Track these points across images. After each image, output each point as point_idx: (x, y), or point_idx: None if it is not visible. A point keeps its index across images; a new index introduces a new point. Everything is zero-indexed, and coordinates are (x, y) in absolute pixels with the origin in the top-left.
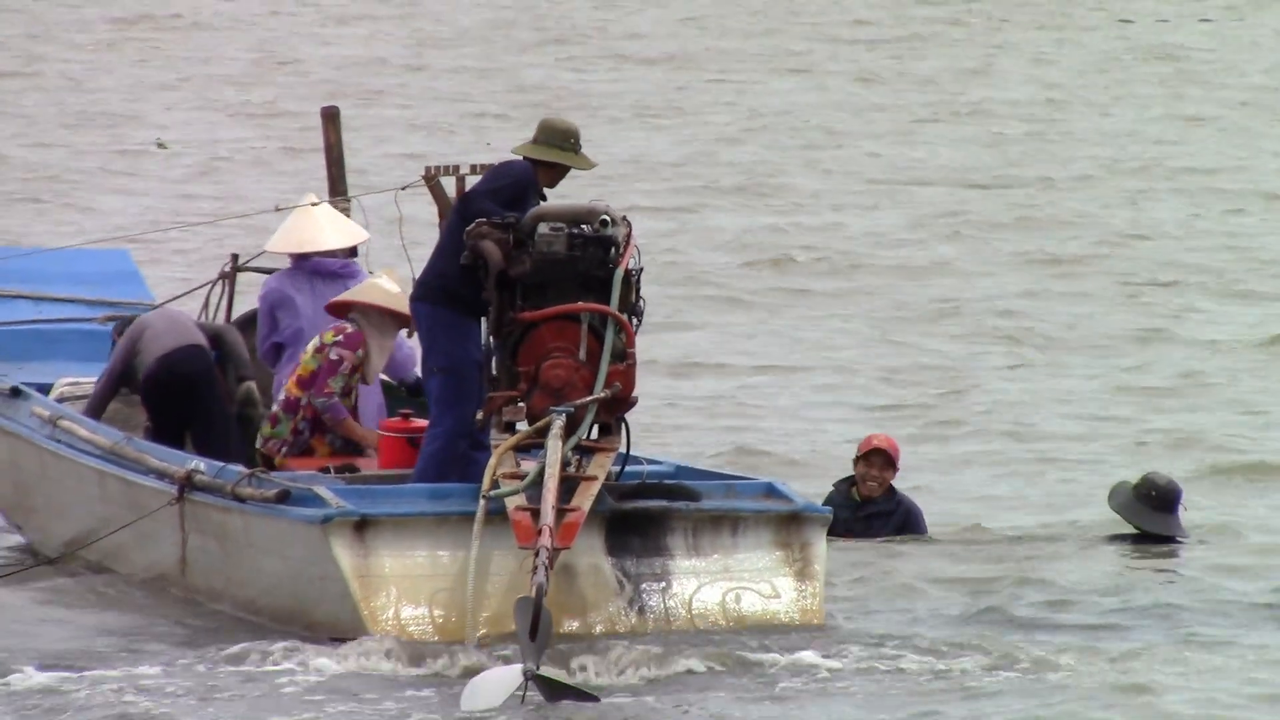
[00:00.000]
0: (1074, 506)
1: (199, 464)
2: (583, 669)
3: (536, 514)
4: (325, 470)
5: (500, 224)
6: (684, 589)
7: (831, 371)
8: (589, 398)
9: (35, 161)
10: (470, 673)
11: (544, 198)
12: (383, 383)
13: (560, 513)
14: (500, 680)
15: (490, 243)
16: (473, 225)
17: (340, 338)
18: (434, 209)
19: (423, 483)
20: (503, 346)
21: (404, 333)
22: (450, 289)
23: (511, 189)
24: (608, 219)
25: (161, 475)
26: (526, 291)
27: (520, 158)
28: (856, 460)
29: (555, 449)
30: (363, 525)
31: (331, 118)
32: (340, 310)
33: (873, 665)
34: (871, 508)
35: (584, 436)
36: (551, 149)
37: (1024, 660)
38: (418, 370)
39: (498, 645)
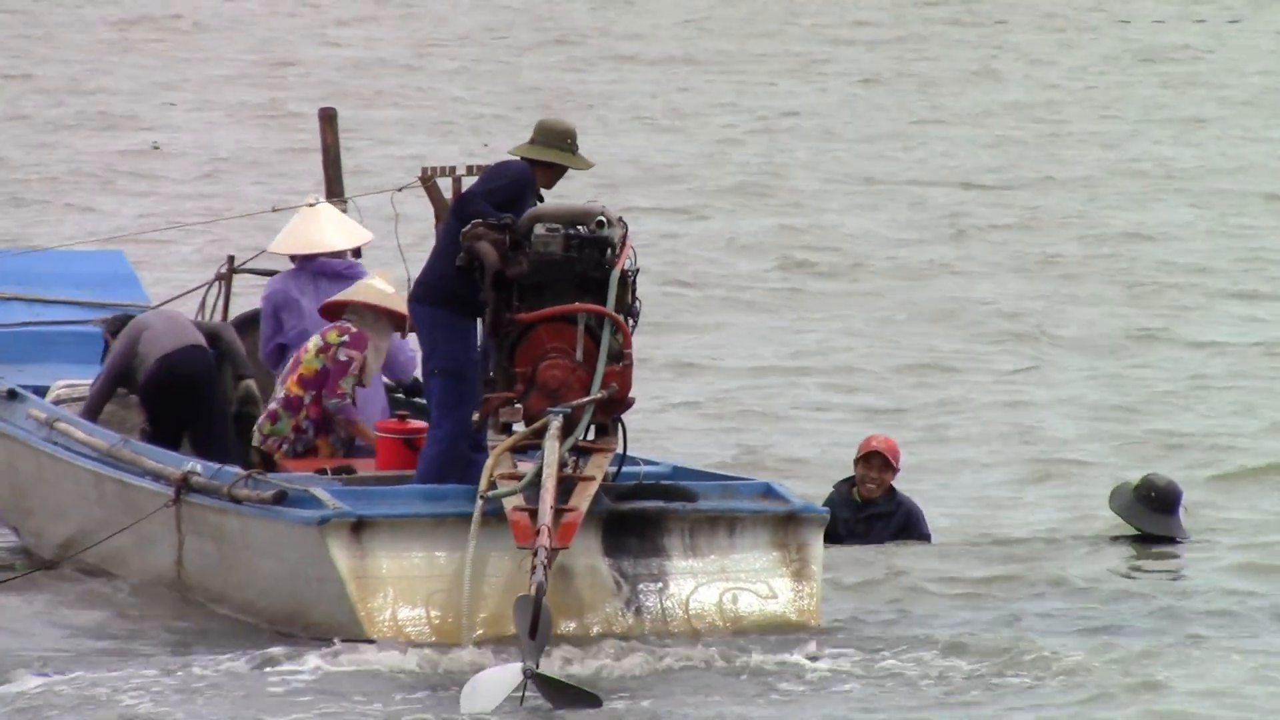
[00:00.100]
0: (1075, 508)
1: (195, 466)
2: (580, 670)
3: (534, 514)
4: (322, 472)
5: (497, 225)
6: (681, 589)
7: (833, 373)
8: (586, 398)
9: (32, 163)
10: (468, 672)
11: (541, 199)
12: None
13: (558, 513)
14: (499, 679)
15: (487, 244)
16: (469, 226)
17: (346, 338)
18: (430, 210)
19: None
20: (499, 347)
21: (408, 336)
22: (450, 290)
23: (508, 190)
24: (604, 220)
25: (158, 477)
26: (523, 292)
27: (517, 158)
28: (856, 462)
29: (552, 449)
30: (359, 526)
31: (329, 119)
32: (335, 311)
33: (870, 666)
34: (872, 509)
35: (581, 437)
36: (548, 149)
37: (1024, 663)
38: (417, 372)
39: (495, 646)
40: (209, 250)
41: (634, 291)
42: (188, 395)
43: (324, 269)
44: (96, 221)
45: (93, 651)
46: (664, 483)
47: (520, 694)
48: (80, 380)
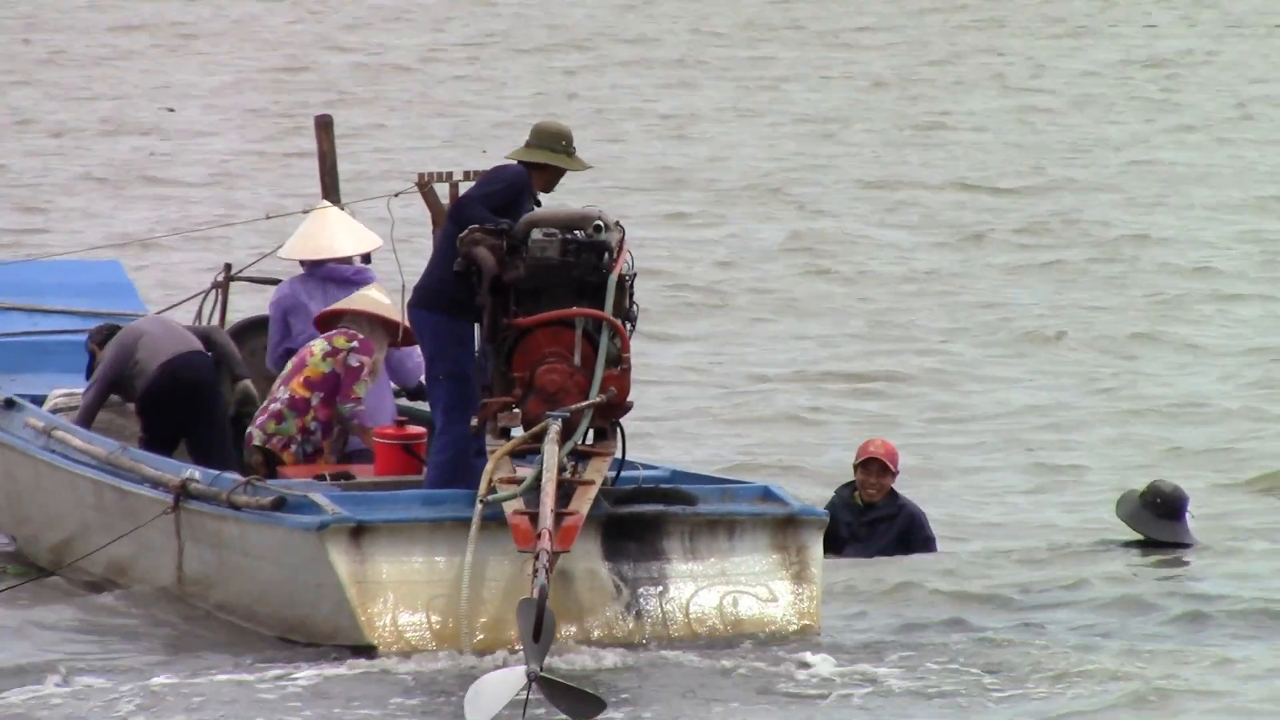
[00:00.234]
0: (1080, 514)
1: (194, 472)
2: (580, 673)
3: (534, 518)
4: (320, 477)
5: (494, 230)
6: (681, 593)
7: (834, 377)
8: (584, 403)
9: (30, 169)
10: (468, 677)
11: (538, 203)
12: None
13: (558, 516)
14: (503, 682)
15: (484, 249)
16: (466, 232)
17: (355, 344)
18: (428, 215)
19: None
20: (497, 352)
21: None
22: (451, 295)
23: (504, 193)
24: (601, 224)
25: (157, 484)
26: (520, 297)
27: (513, 162)
28: (855, 467)
29: (552, 453)
30: (359, 531)
31: (325, 126)
32: (329, 322)
33: (871, 670)
34: (874, 512)
35: (579, 442)
36: (544, 151)
37: (1025, 668)
38: (422, 377)
39: (494, 650)
40: (209, 257)
41: (631, 296)
42: (190, 400)
43: (332, 274)
44: (93, 231)
45: (91, 659)
46: (663, 486)
47: (524, 697)
48: (77, 389)
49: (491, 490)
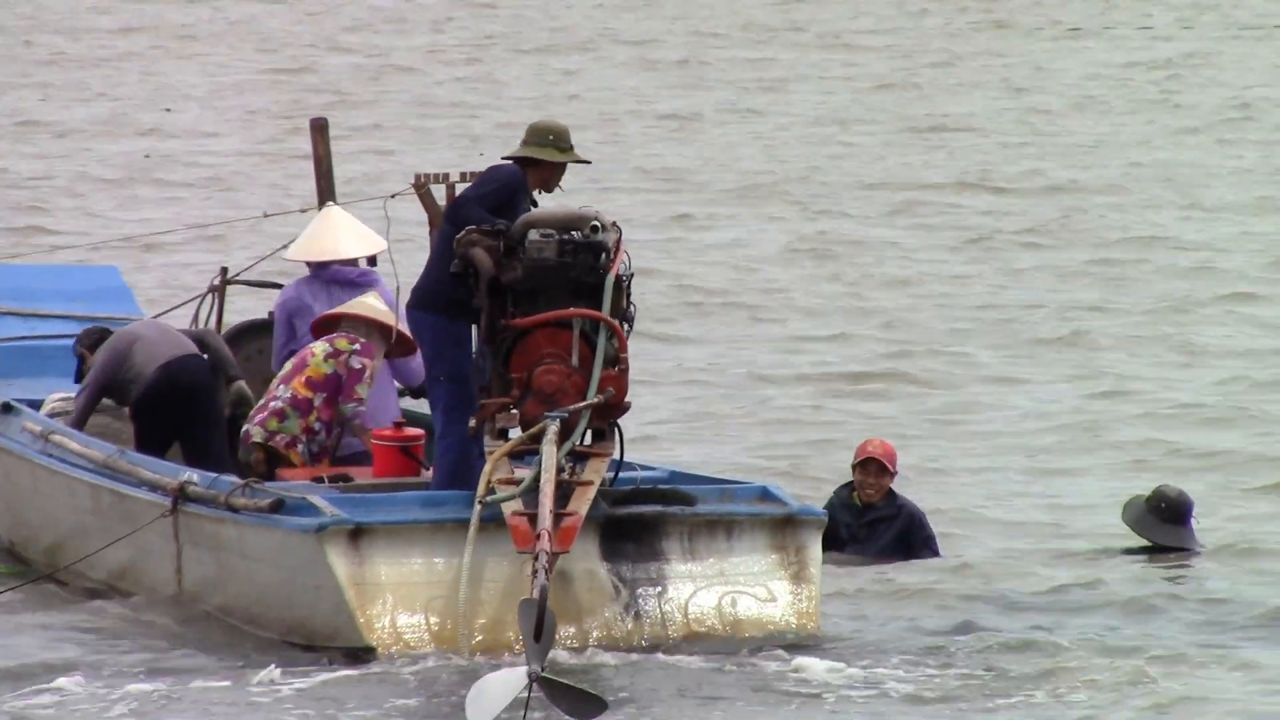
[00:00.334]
0: (1085, 519)
1: (192, 475)
2: (580, 675)
3: (533, 519)
4: (319, 480)
5: (490, 231)
6: (680, 593)
7: (838, 379)
8: (582, 403)
9: (30, 169)
10: (468, 678)
11: (535, 203)
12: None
13: (558, 517)
14: (505, 683)
15: (481, 250)
16: (462, 233)
17: (358, 346)
18: (424, 217)
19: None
20: (494, 353)
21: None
22: (449, 296)
23: (499, 193)
24: (598, 225)
25: (155, 487)
26: (518, 298)
27: (509, 162)
28: (853, 467)
29: (550, 454)
30: (358, 533)
31: (320, 129)
32: (328, 326)
33: (870, 670)
34: (874, 513)
35: (577, 442)
36: (538, 148)
37: (1026, 672)
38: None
39: (493, 651)
40: (210, 259)
41: (629, 296)
42: (186, 403)
43: (337, 276)
44: (93, 233)
45: (89, 662)
46: (661, 487)
47: (526, 697)
48: (74, 394)
49: (490, 491)
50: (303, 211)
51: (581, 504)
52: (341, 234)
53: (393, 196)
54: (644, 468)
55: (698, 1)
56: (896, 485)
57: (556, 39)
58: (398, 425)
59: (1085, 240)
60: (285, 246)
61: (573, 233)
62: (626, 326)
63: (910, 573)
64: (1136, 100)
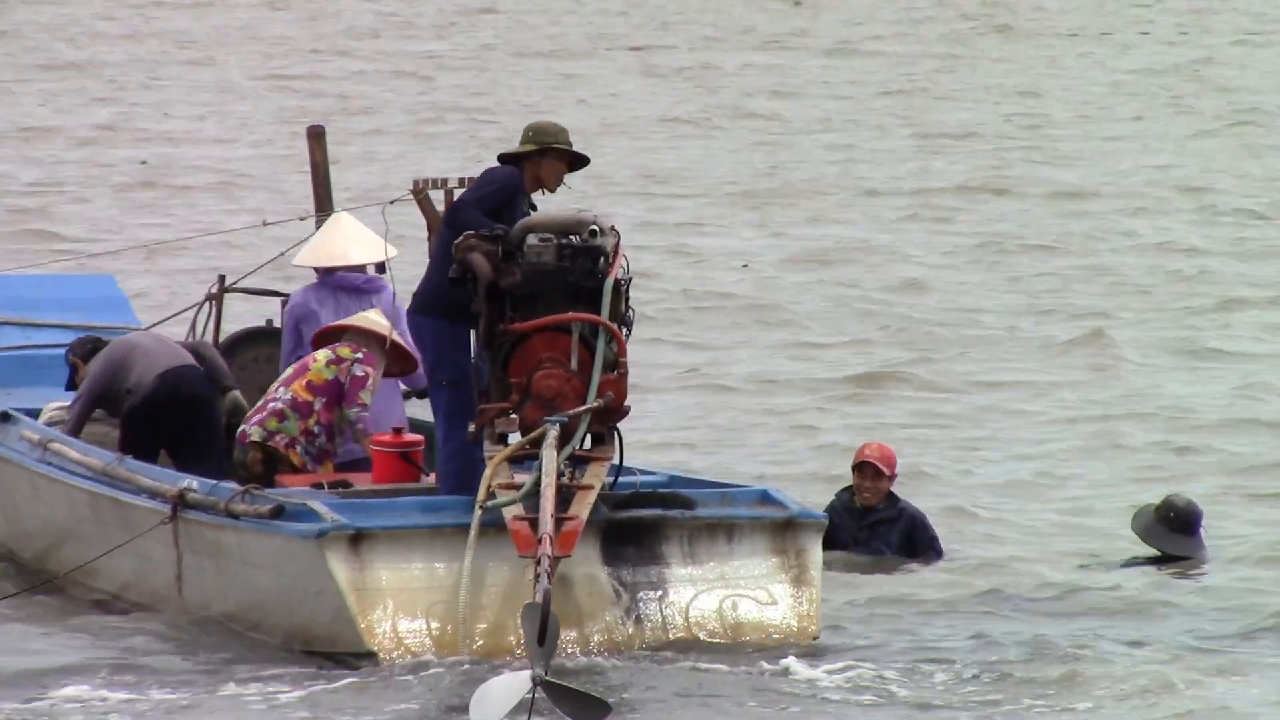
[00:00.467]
0: (1095, 525)
1: (191, 482)
2: (581, 678)
3: (534, 523)
4: (318, 486)
5: (489, 236)
6: (680, 597)
7: (841, 382)
8: (582, 408)
9: (31, 176)
10: (469, 683)
11: (534, 206)
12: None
13: (559, 521)
14: (509, 687)
15: (479, 255)
16: (461, 238)
17: (360, 354)
18: (423, 222)
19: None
20: (493, 358)
21: None
22: (451, 300)
23: (497, 195)
24: (596, 229)
25: (154, 495)
26: (516, 303)
27: (505, 165)
28: (852, 470)
29: (550, 458)
30: (358, 539)
31: (317, 137)
32: (331, 338)
33: (871, 673)
34: (875, 515)
35: (577, 446)
36: (531, 145)
37: (1027, 676)
38: None
39: (494, 655)
40: (213, 265)
41: (627, 300)
42: (185, 413)
43: (343, 283)
44: (94, 241)
45: (89, 670)
46: (661, 491)
47: (530, 701)
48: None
49: (490, 496)
50: (302, 219)
51: (582, 508)
52: (350, 241)
53: (391, 202)
54: (643, 472)
55: (702, 7)
56: (902, 488)
57: (559, 43)
58: (396, 431)
59: (1095, 245)
60: (283, 254)
61: (571, 237)
62: (625, 330)
63: (913, 576)
64: (1147, 104)
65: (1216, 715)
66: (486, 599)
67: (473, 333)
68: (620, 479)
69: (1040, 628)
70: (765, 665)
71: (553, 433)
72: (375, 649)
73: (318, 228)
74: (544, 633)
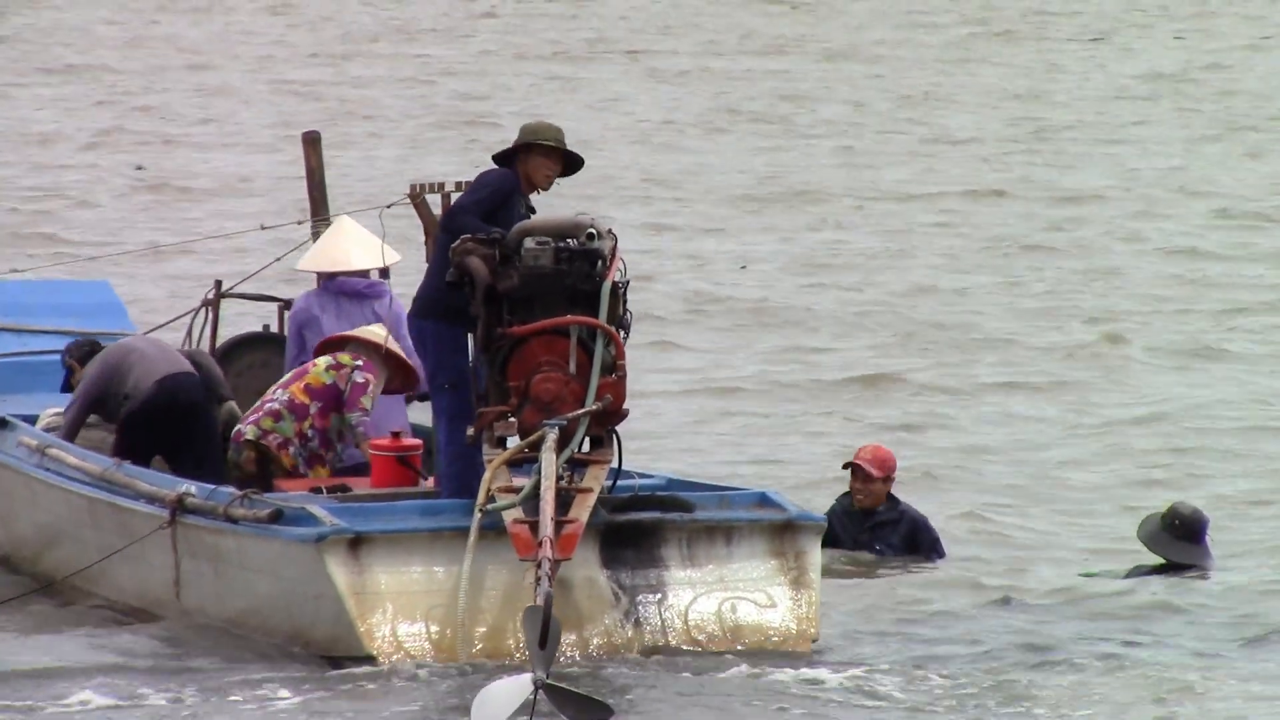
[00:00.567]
0: (1100, 530)
1: (190, 487)
2: (581, 681)
3: (534, 526)
4: (317, 490)
5: (486, 239)
6: (680, 600)
7: (842, 384)
8: (580, 411)
9: (32, 181)
10: (468, 687)
11: (532, 209)
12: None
13: (559, 524)
14: (510, 690)
15: (477, 259)
16: (458, 242)
17: (360, 362)
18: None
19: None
20: (491, 362)
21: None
22: (451, 304)
23: (493, 197)
24: (593, 232)
25: (153, 499)
26: (514, 306)
27: (500, 167)
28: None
29: (550, 461)
30: (357, 543)
31: (313, 143)
32: (332, 347)
33: (870, 676)
34: (876, 518)
35: (576, 450)
36: (520, 141)
37: (1027, 680)
38: None
39: (494, 659)
40: (204, 272)
41: (625, 303)
42: (183, 419)
43: (344, 288)
44: (94, 245)
45: (87, 675)
46: (660, 494)
47: (531, 704)
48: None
49: (490, 499)
50: (299, 224)
51: (582, 511)
52: (352, 245)
53: (388, 207)
54: (642, 475)
55: (704, 12)
56: (907, 491)
57: (560, 47)
58: (395, 435)
59: (1101, 248)
60: (279, 259)
61: (568, 240)
62: (623, 333)
63: (914, 578)
64: (1155, 108)
65: None
66: (486, 602)
67: (471, 336)
68: (619, 482)
69: (1043, 633)
70: (764, 668)
71: (551, 436)
72: (375, 653)
73: (313, 233)
74: (545, 636)
